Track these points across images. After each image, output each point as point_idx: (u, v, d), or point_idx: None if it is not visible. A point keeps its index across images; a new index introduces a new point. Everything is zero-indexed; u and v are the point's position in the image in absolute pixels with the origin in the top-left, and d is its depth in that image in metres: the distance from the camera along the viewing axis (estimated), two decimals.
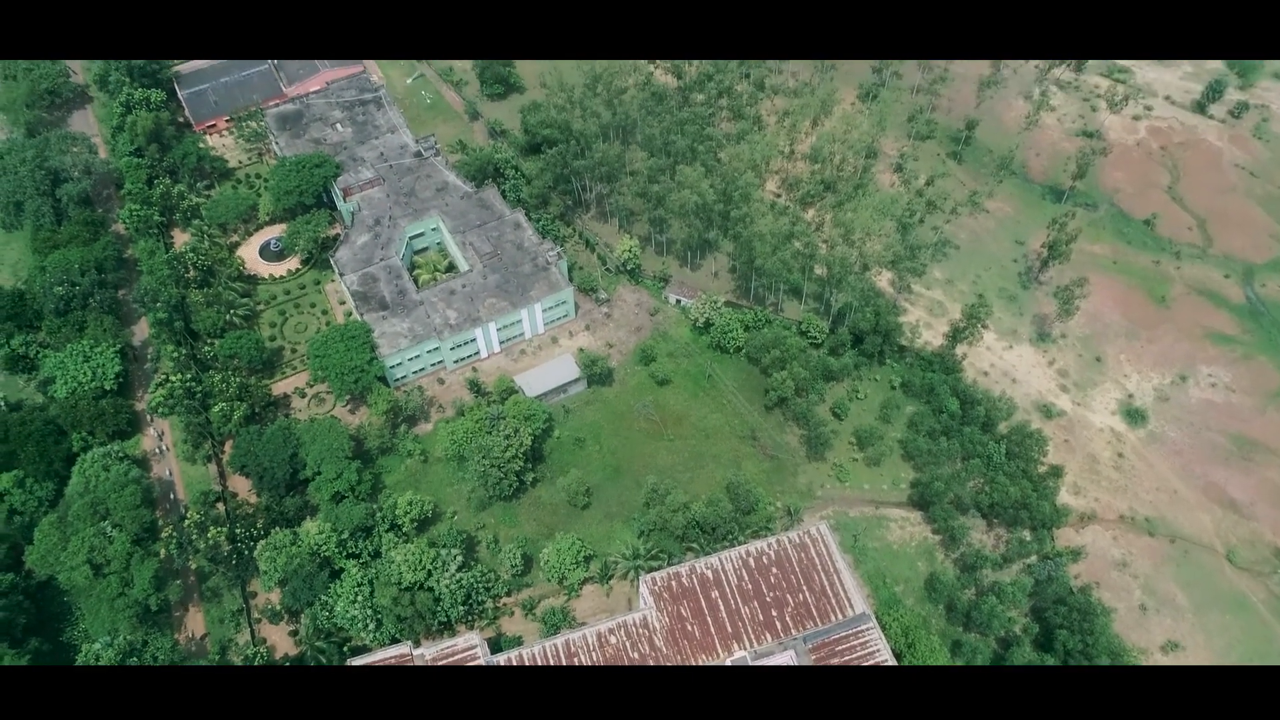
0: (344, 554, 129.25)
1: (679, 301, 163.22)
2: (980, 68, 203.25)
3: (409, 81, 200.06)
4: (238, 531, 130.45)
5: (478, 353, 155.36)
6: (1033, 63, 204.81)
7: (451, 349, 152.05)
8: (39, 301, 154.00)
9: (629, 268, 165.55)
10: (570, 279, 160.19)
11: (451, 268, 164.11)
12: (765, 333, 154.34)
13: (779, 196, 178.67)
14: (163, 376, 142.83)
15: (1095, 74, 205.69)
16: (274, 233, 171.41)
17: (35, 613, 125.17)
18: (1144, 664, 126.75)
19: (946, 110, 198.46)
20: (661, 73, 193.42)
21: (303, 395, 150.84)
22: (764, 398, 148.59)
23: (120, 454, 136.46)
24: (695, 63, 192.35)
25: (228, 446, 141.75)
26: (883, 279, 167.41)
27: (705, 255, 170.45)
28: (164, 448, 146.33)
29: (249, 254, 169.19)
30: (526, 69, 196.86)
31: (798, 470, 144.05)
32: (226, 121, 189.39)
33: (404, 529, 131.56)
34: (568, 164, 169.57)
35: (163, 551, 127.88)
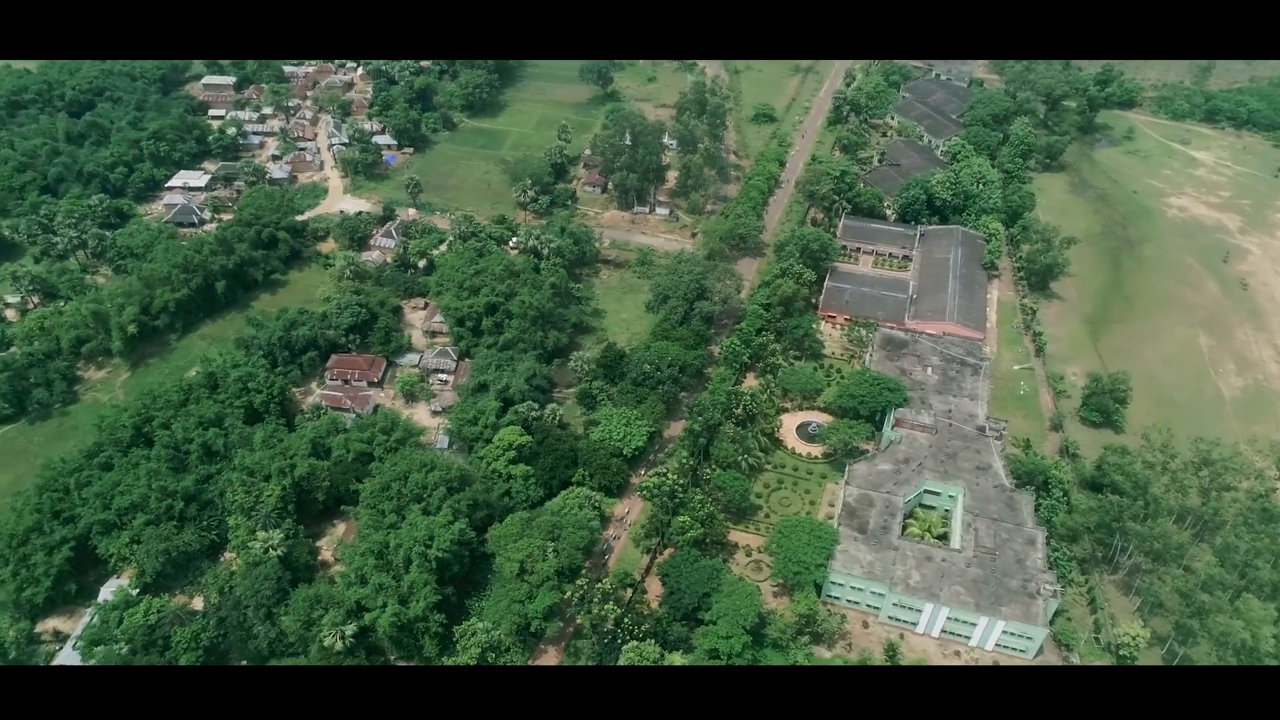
0: None
1: None
2: None
3: (1015, 367, 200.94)
4: (625, 622, 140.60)
5: (914, 625, 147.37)
6: None
7: (894, 604, 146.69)
8: (629, 368, 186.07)
9: (1120, 654, 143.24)
10: (1050, 623, 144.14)
11: (944, 538, 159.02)
12: None
13: None
14: (663, 470, 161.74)
15: None
16: (818, 419, 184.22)
17: (468, 571, 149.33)
18: None
19: None
20: None
21: (748, 554, 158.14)
22: None
23: (596, 504, 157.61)
24: None
25: (667, 552, 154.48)
26: None
27: None
28: (626, 521, 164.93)
29: (789, 423, 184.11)
30: (1136, 417, 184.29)
31: None
32: (845, 319, 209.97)
33: None
34: (1121, 519, 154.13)
35: (568, 593, 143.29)
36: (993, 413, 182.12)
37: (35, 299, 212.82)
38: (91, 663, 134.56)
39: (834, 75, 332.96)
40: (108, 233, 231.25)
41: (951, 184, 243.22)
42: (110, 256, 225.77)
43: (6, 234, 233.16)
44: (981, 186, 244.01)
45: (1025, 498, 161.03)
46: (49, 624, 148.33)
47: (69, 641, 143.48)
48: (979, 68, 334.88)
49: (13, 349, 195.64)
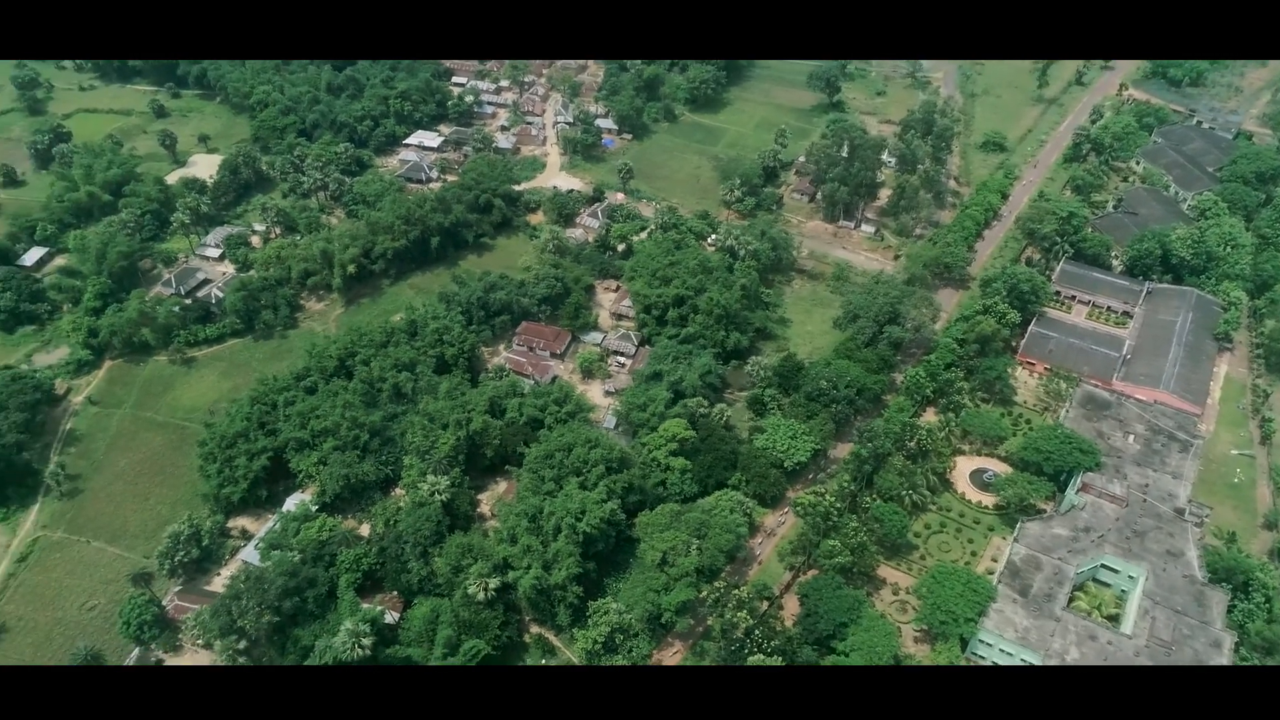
0: None
1: None
2: None
3: (1234, 452, 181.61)
4: (755, 633, 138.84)
5: None
6: None
7: None
8: (805, 381, 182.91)
9: None
10: None
11: (1114, 619, 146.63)
12: None
13: None
14: (822, 490, 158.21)
15: None
16: (995, 468, 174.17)
17: (612, 550, 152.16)
18: None
19: None
20: None
21: (895, 593, 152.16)
22: None
23: (747, 510, 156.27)
24: None
25: (811, 573, 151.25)
26: None
27: None
28: (775, 534, 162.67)
29: (963, 466, 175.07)
30: None
31: None
32: (1044, 369, 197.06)
33: None
34: None
35: (704, 592, 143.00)
36: (1196, 496, 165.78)
37: (277, 230, 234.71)
38: (266, 564, 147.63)
39: (1079, 109, 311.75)
40: (347, 179, 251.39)
41: (1194, 242, 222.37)
42: (345, 201, 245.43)
43: (265, 169, 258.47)
44: (1229, 249, 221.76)
45: (1218, 596, 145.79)
46: (239, 522, 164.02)
47: (252, 541, 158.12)
48: (1249, 119, 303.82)
49: (252, 272, 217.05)
